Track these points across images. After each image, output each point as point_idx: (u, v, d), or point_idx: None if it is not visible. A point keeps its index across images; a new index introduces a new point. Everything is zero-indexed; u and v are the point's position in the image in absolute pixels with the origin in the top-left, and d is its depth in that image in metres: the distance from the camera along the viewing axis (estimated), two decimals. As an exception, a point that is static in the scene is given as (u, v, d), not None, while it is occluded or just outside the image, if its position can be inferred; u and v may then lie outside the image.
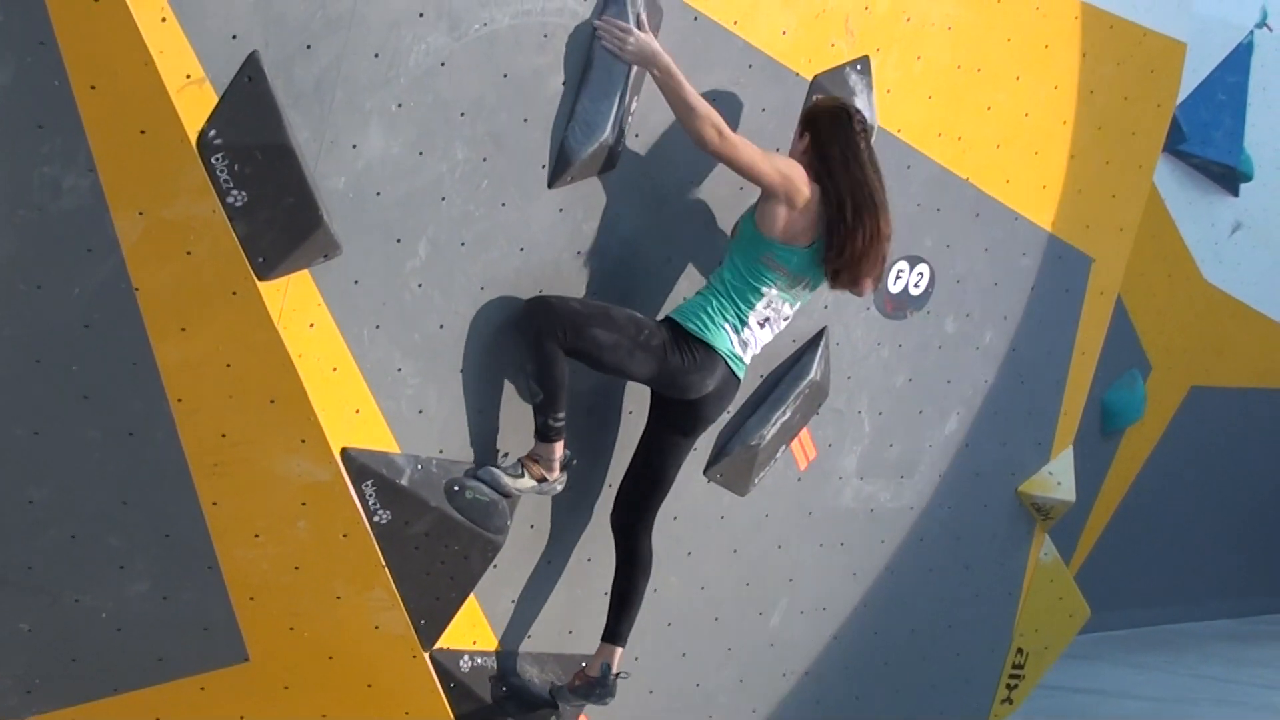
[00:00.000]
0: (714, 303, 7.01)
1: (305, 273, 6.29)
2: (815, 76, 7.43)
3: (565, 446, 6.94)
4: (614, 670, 7.20)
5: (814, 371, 7.82)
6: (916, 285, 8.15)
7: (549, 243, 6.92)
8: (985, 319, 8.51)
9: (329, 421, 6.44)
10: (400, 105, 6.40)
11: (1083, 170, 8.54)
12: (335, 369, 6.46)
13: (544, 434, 6.89)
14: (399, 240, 6.54)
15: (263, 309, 6.20)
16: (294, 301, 6.28)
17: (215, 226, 6.08)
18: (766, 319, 7.08)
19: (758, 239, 6.97)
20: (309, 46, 6.16)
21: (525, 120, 6.72)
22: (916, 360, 8.32)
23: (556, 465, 6.93)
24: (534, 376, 6.84)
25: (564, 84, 6.81)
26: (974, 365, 8.58)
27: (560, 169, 6.88)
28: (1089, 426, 10.25)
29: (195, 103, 5.98)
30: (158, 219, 6.08)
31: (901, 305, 8.15)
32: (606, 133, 6.88)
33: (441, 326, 6.72)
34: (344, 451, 6.51)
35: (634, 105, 6.91)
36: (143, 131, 5.98)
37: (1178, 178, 11.26)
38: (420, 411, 6.74)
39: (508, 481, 6.87)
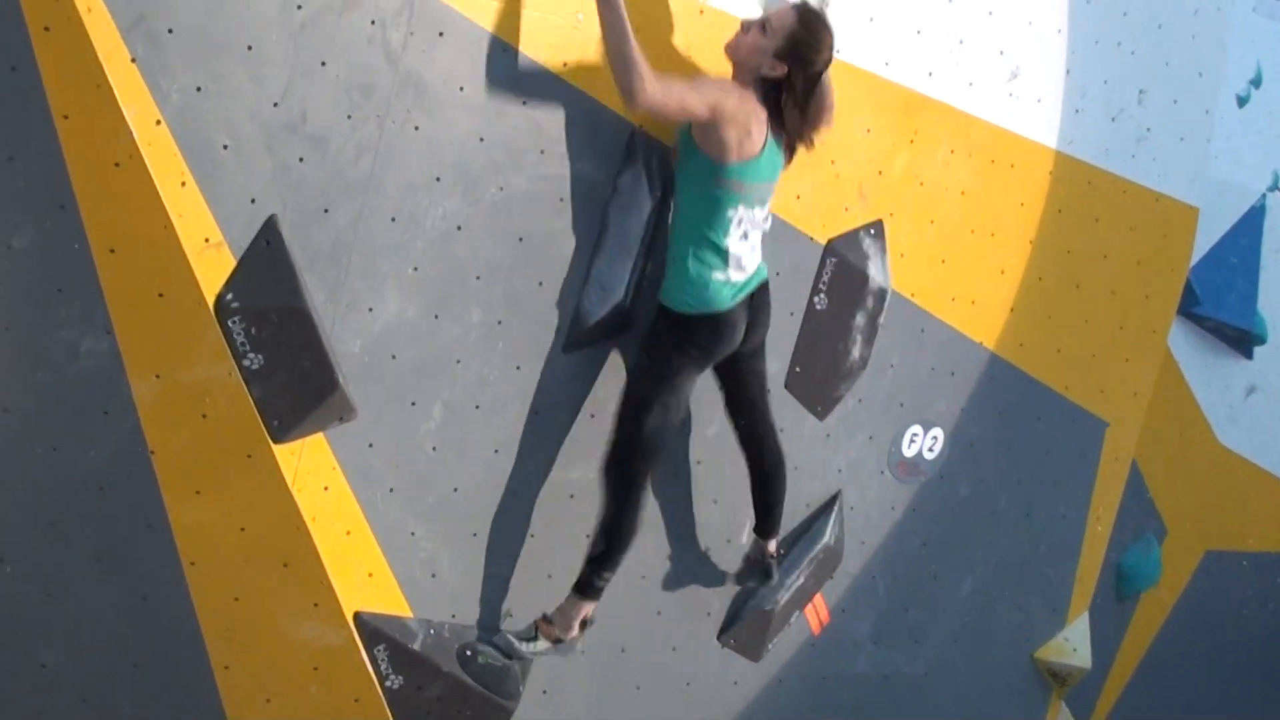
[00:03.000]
0: (689, 261, 6.75)
1: (320, 436, 6.35)
2: (829, 240, 7.50)
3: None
4: (773, 556, 7.51)
5: (828, 536, 7.85)
6: (930, 449, 8.19)
7: (564, 406, 6.97)
8: (1000, 483, 8.54)
9: (342, 585, 6.46)
10: (416, 269, 6.48)
11: (1097, 334, 8.59)
12: (349, 532, 6.49)
13: (583, 589, 6.88)
14: (414, 403, 6.59)
15: (277, 472, 6.25)
16: (308, 465, 6.32)
17: (231, 390, 6.14)
18: (745, 233, 6.78)
19: (707, 166, 6.67)
20: (326, 210, 6.24)
21: (540, 284, 6.79)
22: (931, 524, 8.33)
23: (576, 625, 6.91)
24: (606, 533, 6.87)
25: (579, 248, 6.87)
26: (989, 529, 8.59)
27: (576, 332, 6.93)
28: (1104, 590, 10.22)
29: (213, 266, 6.05)
30: (174, 382, 6.14)
31: (915, 469, 8.18)
32: (621, 296, 6.94)
33: (455, 490, 6.76)
34: (357, 615, 6.53)
35: (649, 268, 6.97)
36: (161, 295, 6.05)
37: (1191, 341, 11.24)
38: (433, 575, 6.77)
39: (521, 647, 6.88)
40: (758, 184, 6.73)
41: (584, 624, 6.96)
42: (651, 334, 6.88)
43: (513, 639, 6.88)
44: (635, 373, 6.92)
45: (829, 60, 6.71)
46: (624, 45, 6.31)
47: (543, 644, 6.90)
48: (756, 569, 7.56)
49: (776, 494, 7.38)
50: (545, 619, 6.93)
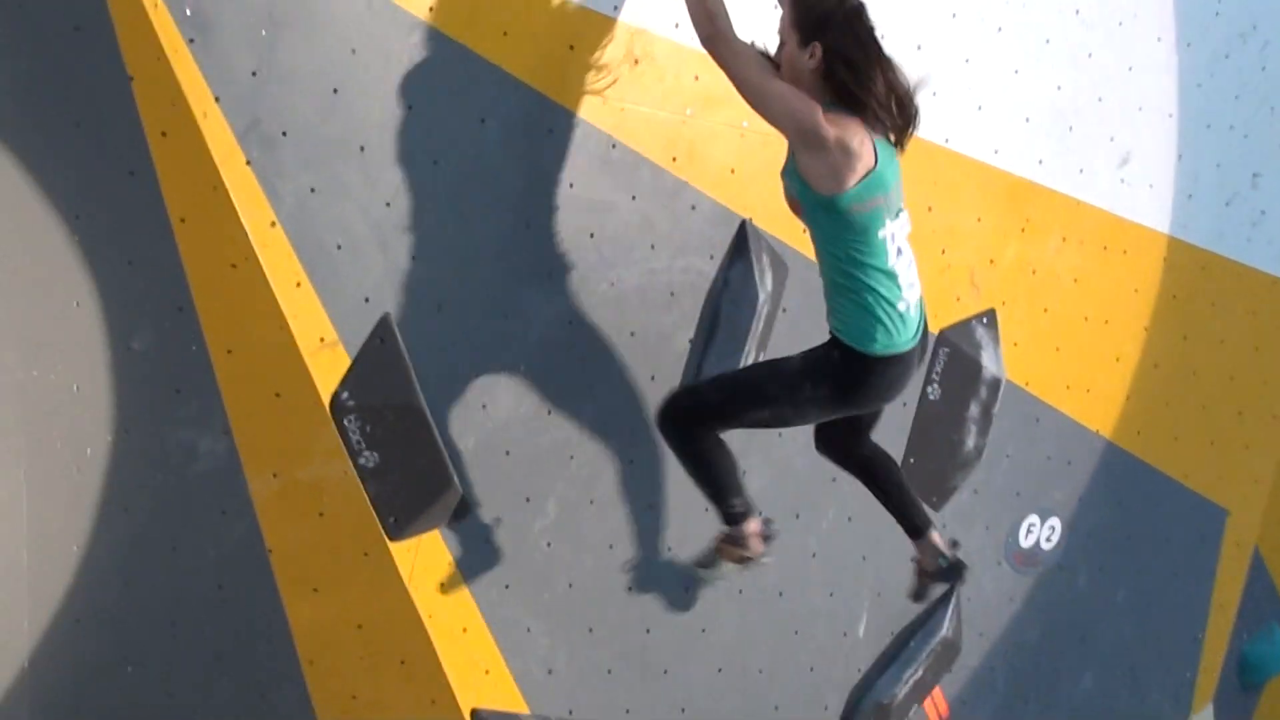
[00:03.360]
0: (864, 306, 6.04)
1: (436, 533, 6.38)
2: (941, 330, 7.49)
3: (761, 520, 6.54)
4: (945, 550, 6.80)
5: (945, 628, 7.79)
6: (1048, 539, 8.12)
7: (677, 498, 6.97)
8: (1119, 573, 8.45)
9: (458, 682, 6.47)
10: (527, 366, 6.51)
11: (1215, 421, 8.51)
12: (465, 629, 6.51)
13: (728, 521, 6.44)
14: (528, 499, 6.62)
15: (394, 570, 6.28)
16: (424, 562, 6.35)
17: (347, 488, 6.19)
18: (899, 248, 6.04)
19: (828, 203, 5.94)
20: (440, 308, 6.29)
21: (653, 378, 6.80)
22: (1050, 616, 8.26)
23: (752, 541, 6.47)
24: (694, 479, 6.39)
25: (690, 341, 6.89)
26: (1109, 620, 8.50)
27: (688, 426, 6.91)
28: (1228, 680, 10.08)
29: (329, 365, 6.11)
30: (291, 480, 6.20)
31: (1033, 560, 8.12)
32: (733, 390, 6.93)
33: (571, 585, 6.76)
34: (474, 713, 6.53)
35: (760, 360, 6.96)
36: (277, 394, 6.11)
37: (1313, 425, 11.16)
38: (550, 671, 6.76)
39: (706, 573, 6.61)
40: (890, 191, 5.99)
41: (767, 537, 6.53)
42: (825, 358, 6.20)
43: (696, 566, 6.64)
44: (781, 368, 6.36)
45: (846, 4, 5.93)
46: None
47: (728, 566, 6.56)
48: (940, 573, 6.85)
49: (904, 489, 6.80)
50: (724, 538, 6.50)
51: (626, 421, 6.78)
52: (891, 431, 7.35)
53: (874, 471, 6.72)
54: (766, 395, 6.24)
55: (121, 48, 5.61)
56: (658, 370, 6.80)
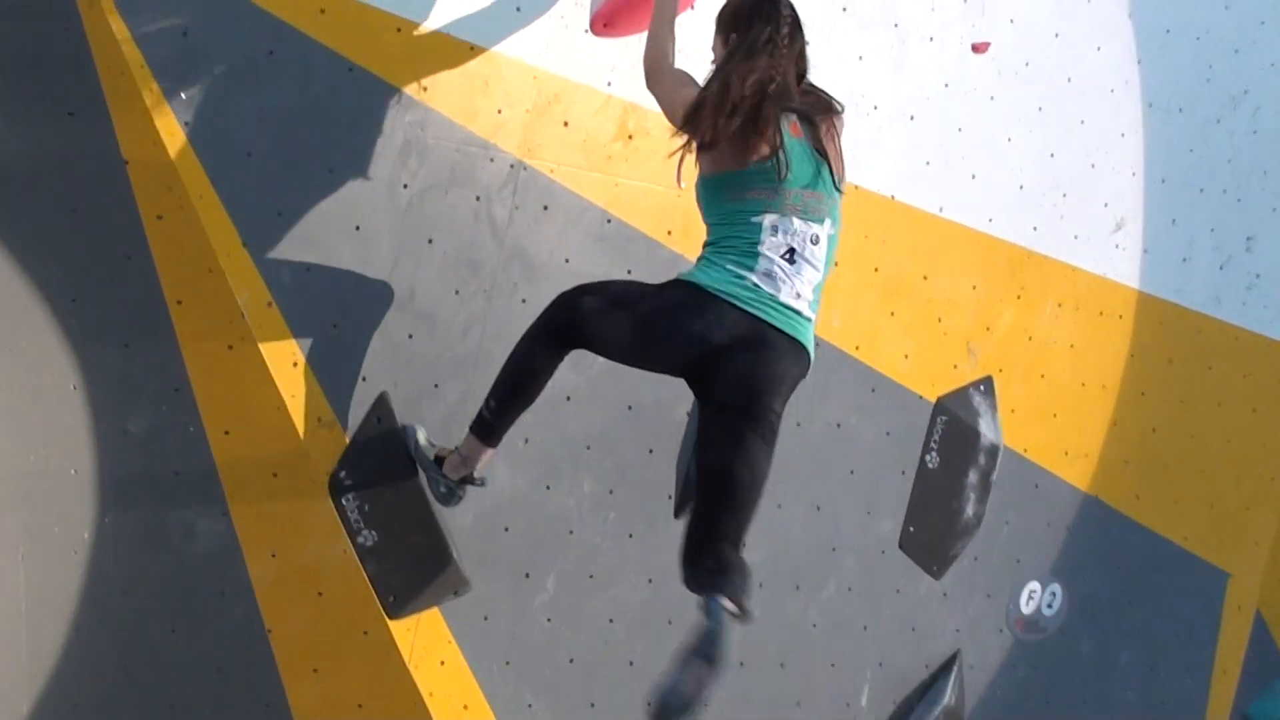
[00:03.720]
0: (708, 256, 5.75)
1: (435, 610, 6.37)
2: (939, 398, 7.49)
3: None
4: None
5: (948, 697, 7.77)
6: (1049, 606, 8.11)
7: (676, 572, 6.94)
8: (1121, 637, 8.43)
9: (460, 759, 6.46)
10: (527, 441, 6.51)
11: (1214, 484, 8.50)
12: (466, 706, 6.49)
13: (476, 423, 6.08)
14: (527, 575, 6.61)
15: (394, 648, 6.27)
16: (424, 639, 6.34)
17: (346, 567, 6.19)
18: (790, 249, 5.66)
19: (704, 180, 5.78)
20: (436, 385, 6.31)
21: (650, 451, 6.80)
22: (1053, 682, 8.23)
23: (481, 463, 6.16)
24: (507, 377, 5.99)
25: (688, 414, 6.88)
26: (1112, 684, 8.47)
27: (686, 498, 6.89)
28: (1233, 743, 10.07)
29: (326, 445, 6.11)
30: (290, 560, 6.19)
31: (1035, 626, 8.10)
32: (731, 461, 6.93)
33: (571, 661, 6.75)
34: (476, 789, 6.53)
35: (759, 432, 6.96)
36: (275, 474, 6.11)
37: (1312, 485, 11.16)
38: (552, 747, 6.76)
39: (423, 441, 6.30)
40: (775, 185, 5.65)
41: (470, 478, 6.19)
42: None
43: (422, 438, 6.31)
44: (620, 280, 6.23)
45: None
46: (664, 30, 5.82)
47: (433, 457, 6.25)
48: None
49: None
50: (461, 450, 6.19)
51: (625, 495, 6.77)
52: (891, 499, 7.36)
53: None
54: (618, 286, 5.99)
55: (117, 132, 5.63)
56: (655, 444, 6.80)
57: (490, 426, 6.03)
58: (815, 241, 5.70)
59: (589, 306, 5.83)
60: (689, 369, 5.72)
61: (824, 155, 5.75)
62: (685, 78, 5.77)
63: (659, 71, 5.79)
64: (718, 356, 5.62)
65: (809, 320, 5.73)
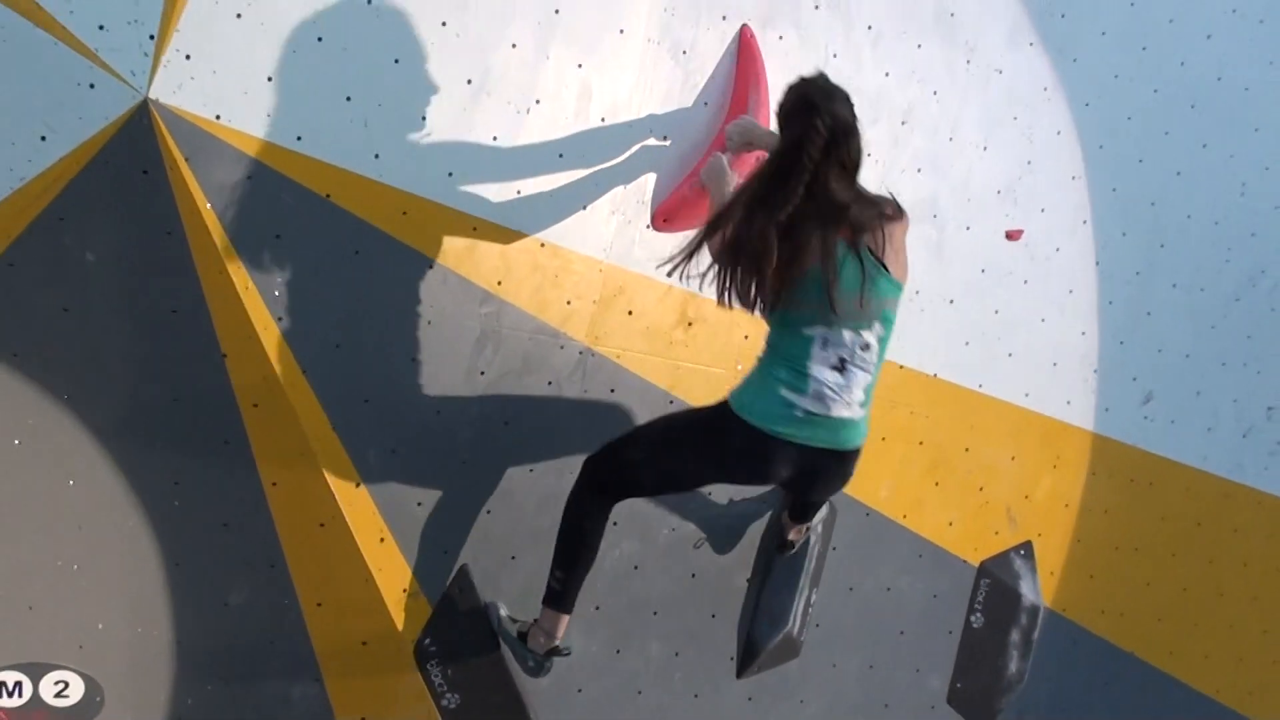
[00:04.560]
0: (759, 372, 5.58)
1: (516, 768, 6.26)
2: (982, 562, 7.37)
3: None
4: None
5: (791, 623, 7.35)
6: (1089, 755, 7.94)
7: (740, 730, 6.85)
8: (1160, 785, 8.24)
9: None
10: (599, 607, 6.43)
11: (1242, 639, 8.33)
12: None
13: (548, 596, 5.97)
14: (600, 735, 6.51)
15: (476, 805, 6.17)
16: (504, 798, 6.23)
17: (431, 729, 6.10)
18: (839, 361, 5.50)
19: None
20: (513, 558, 6.24)
21: (714, 616, 6.71)
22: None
23: (560, 631, 6.03)
24: (564, 546, 5.88)
25: (747, 580, 6.79)
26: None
27: (748, 659, 6.83)
28: None
29: (412, 614, 6.04)
30: (379, 724, 6.11)
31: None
32: (789, 623, 6.83)
33: (643, 815, 6.62)
34: None
35: (814, 597, 6.87)
36: (364, 643, 6.04)
37: (1333, 638, 10.99)
38: None
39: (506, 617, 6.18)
40: (826, 299, 5.42)
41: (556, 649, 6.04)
42: (704, 410, 5.77)
43: (504, 616, 6.19)
44: (655, 420, 5.99)
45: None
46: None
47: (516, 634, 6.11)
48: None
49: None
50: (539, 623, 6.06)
51: (690, 657, 6.67)
52: (939, 657, 7.24)
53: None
54: (658, 433, 5.82)
55: (216, 327, 5.61)
56: (718, 609, 6.71)
57: (560, 595, 5.94)
58: (866, 348, 5.53)
59: (636, 458, 5.76)
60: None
61: (876, 257, 5.48)
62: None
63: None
64: (786, 482, 5.64)
65: (863, 419, 5.62)
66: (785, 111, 5.42)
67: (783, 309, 5.46)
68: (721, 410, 5.59)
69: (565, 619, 5.98)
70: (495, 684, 6.20)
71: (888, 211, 5.54)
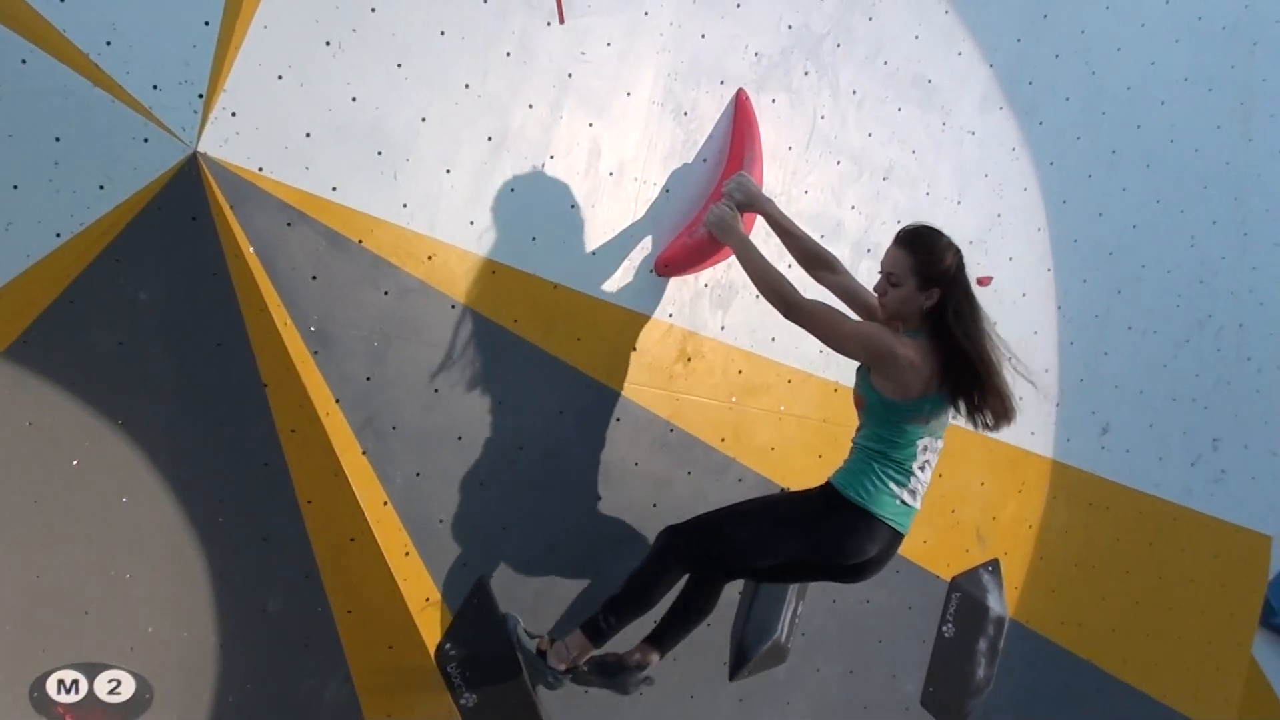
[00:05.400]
0: (874, 468, 5.76)
1: (529, 765, 6.24)
2: (953, 578, 7.35)
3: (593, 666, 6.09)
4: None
5: (779, 630, 7.25)
6: (1051, 756, 7.91)
7: (731, 729, 6.83)
8: (1113, 782, 8.21)
9: None
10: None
11: (1189, 648, 8.32)
12: None
13: (587, 627, 6.04)
14: (606, 732, 6.49)
15: (490, 796, 6.14)
16: (519, 787, 6.21)
17: (452, 724, 6.09)
18: (926, 462, 5.81)
19: (890, 404, 5.69)
20: (526, 571, 6.22)
21: (708, 624, 6.65)
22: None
23: (568, 661, 6.08)
24: (633, 575, 5.97)
25: (740, 592, 6.79)
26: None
27: (739, 664, 6.82)
28: None
29: (433, 621, 6.03)
30: (404, 720, 6.09)
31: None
32: (778, 632, 6.81)
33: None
34: None
35: (800, 608, 6.85)
36: (390, 646, 6.03)
37: (1273, 647, 10.92)
38: None
39: (524, 640, 6.14)
40: (938, 415, 5.76)
41: (572, 674, 6.11)
42: (806, 494, 5.94)
43: (522, 630, 6.19)
44: (772, 501, 6.07)
45: (957, 252, 5.68)
46: (763, 266, 5.79)
47: (534, 649, 6.13)
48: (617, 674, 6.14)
49: (688, 630, 6.20)
50: (552, 640, 6.16)
51: (687, 662, 6.66)
52: (913, 663, 7.20)
53: (692, 603, 6.14)
54: (759, 511, 5.94)
55: (257, 360, 5.60)
56: (712, 618, 6.63)
57: (602, 635, 6.02)
58: (937, 453, 5.89)
59: (743, 537, 5.87)
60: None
61: None
62: (827, 307, 5.68)
63: (798, 309, 5.66)
64: (860, 564, 5.88)
65: None
66: (935, 240, 5.67)
67: (904, 421, 5.73)
68: (828, 492, 5.82)
69: (592, 651, 6.07)
70: (509, 686, 6.17)
71: None
